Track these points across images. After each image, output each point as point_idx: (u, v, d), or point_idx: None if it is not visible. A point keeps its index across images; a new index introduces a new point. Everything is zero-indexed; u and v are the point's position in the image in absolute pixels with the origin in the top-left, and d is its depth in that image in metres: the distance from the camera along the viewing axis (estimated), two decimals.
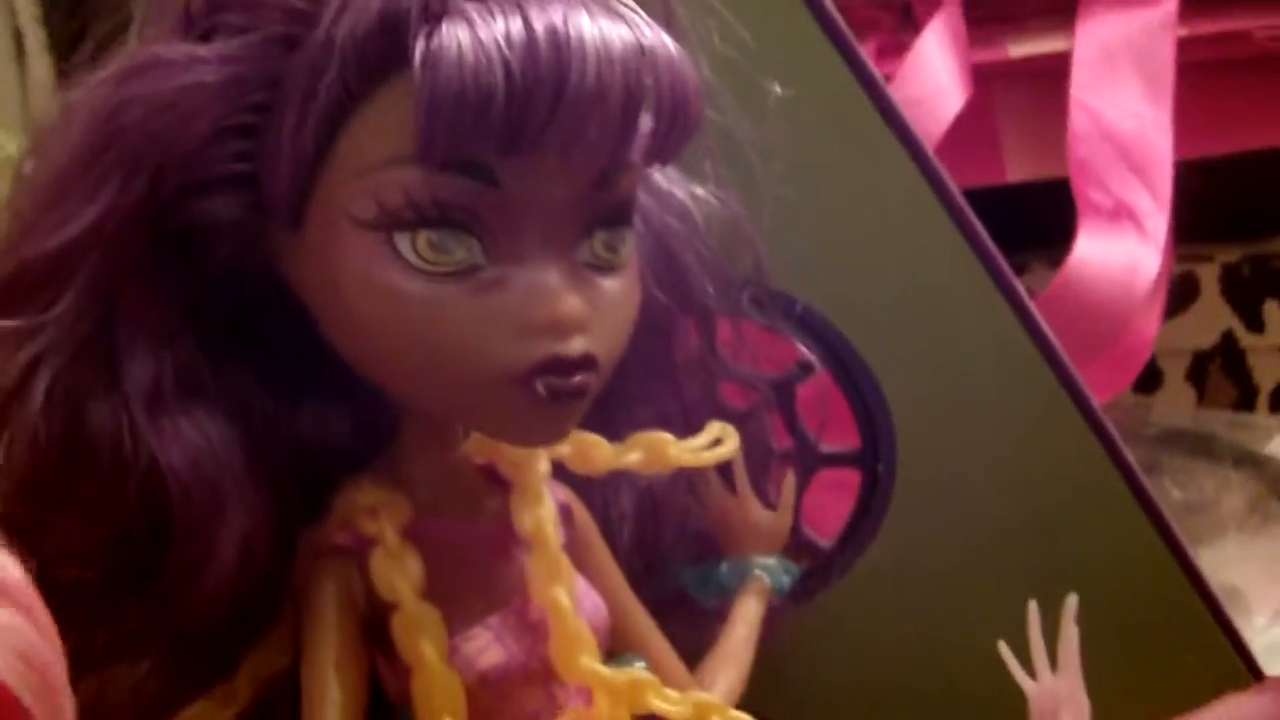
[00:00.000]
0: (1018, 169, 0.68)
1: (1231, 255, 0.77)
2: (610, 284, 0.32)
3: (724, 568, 0.42)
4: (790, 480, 0.43)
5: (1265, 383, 0.79)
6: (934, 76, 0.63)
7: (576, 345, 0.30)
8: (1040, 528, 0.47)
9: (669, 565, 0.42)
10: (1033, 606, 0.38)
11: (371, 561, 0.32)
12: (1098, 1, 0.66)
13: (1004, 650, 0.38)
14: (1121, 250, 0.60)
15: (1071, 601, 0.38)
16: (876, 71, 0.44)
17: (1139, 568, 0.47)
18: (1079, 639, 0.38)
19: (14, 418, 0.31)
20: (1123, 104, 0.64)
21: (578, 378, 0.30)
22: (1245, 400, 0.79)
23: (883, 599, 0.47)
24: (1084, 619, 0.39)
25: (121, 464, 0.31)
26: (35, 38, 0.62)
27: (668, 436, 0.38)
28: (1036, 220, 0.66)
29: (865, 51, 0.45)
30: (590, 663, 0.33)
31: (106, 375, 0.31)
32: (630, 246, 0.33)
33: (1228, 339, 0.78)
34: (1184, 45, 0.66)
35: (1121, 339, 0.61)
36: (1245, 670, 0.48)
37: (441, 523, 0.34)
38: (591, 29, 0.29)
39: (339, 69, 0.30)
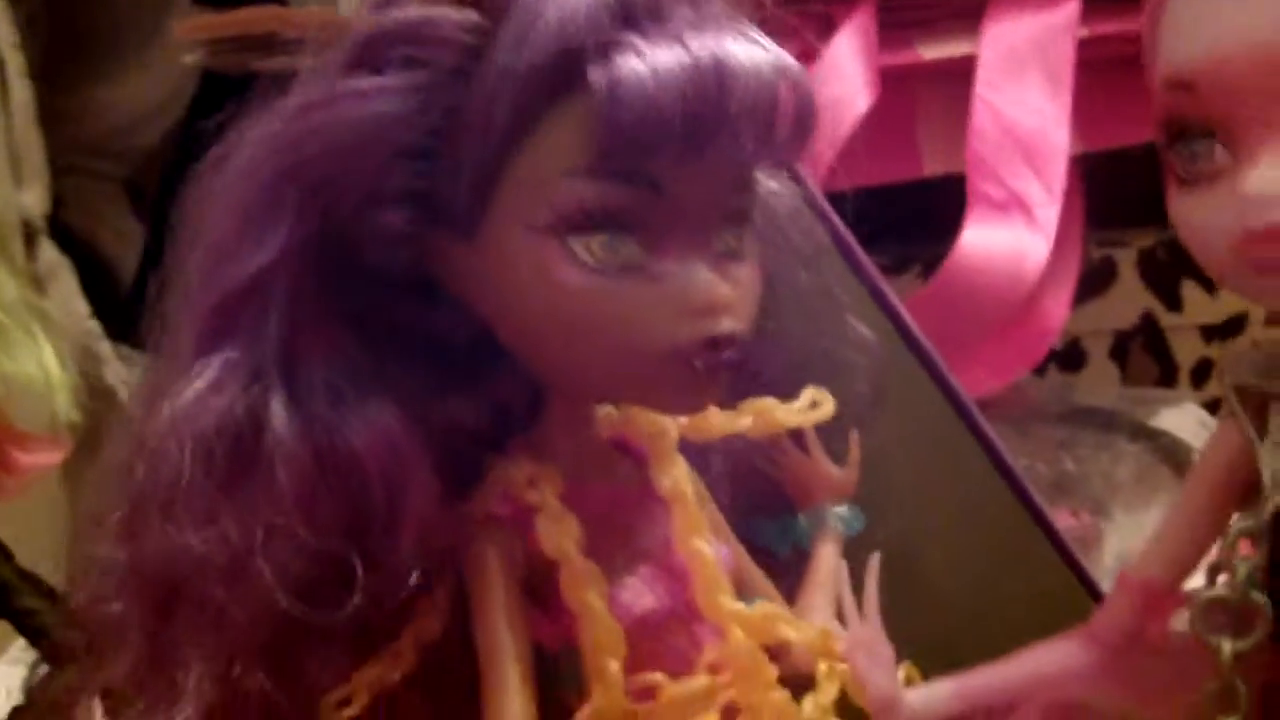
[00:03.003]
0: (933, 163, 0.71)
1: (1147, 240, 0.79)
2: (740, 270, 0.36)
3: (802, 518, 0.45)
4: (855, 436, 0.46)
5: (1185, 360, 0.82)
6: (844, 79, 0.67)
7: (726, 325, 0.35)
8: (908, 499, 0.51)
9: (745, 522, 0.45)
10: (874, 559, 0.41)
11: (538, 525, 0.37)
12: (1003, 6, 0.70)
13: (847, 599, 0.41)
14: (1008, 238, 0.63)
15: (874, 561, 0.40)
16: None
17: (1000, 531, 0.52)
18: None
19: (260, 439, 0.35)
20: (1024, 101, 0.67)
21: (726, 354, 0.35)
22: (1167, 377, 0.81)
23: None
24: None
25: (322, 461, 0.35)
26: (14, 63, 0.66)
27: (775, 401, 0.42)
28: (955, 212, 0.70)
29: None
30: (729, 601, 0.38)
31: (291, 382, 0.35)
32: (750, 237, 0.37)
33: (1147, 319, 0.81)
34: (1085, 45, 0.69)
35: (1020, 322, 0.65)
36: None
37: (585, 489, 0.38)
38: (741, 51, 0.34)
39: (515, 95, 0.34)
